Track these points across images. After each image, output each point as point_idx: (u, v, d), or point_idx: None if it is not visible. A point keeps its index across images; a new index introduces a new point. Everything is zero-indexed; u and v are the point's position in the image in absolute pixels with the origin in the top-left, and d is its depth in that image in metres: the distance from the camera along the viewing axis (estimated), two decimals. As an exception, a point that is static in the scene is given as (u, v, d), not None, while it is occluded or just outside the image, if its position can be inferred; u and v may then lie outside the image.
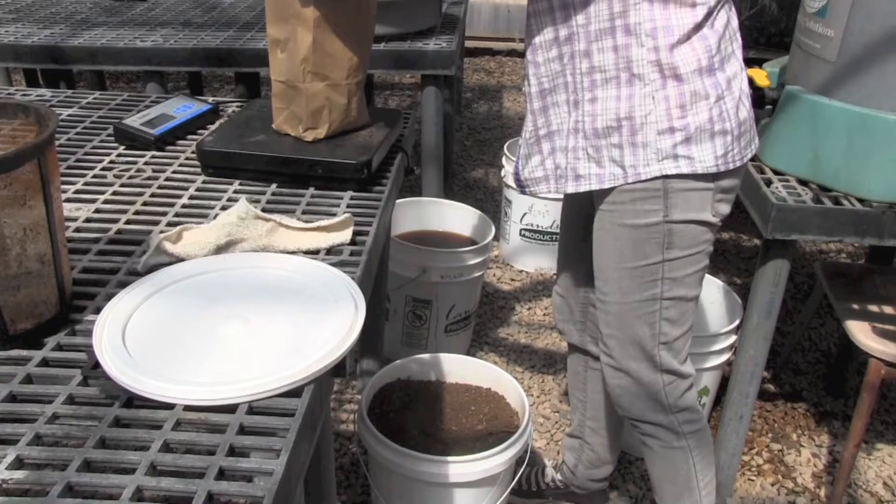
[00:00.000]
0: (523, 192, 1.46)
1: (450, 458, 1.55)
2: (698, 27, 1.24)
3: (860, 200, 1.59)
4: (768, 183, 1.65)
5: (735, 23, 1.33)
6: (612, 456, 1.82)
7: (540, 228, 2.84)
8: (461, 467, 1.55)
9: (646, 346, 1.43)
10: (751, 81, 1.71)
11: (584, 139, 1.31)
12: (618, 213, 1.34)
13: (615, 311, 1.43)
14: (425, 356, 1.86)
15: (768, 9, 2.05)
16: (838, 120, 1.58)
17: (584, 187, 1.34)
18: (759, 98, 1.71)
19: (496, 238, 2.90)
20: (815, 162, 1.63)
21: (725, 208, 1.36)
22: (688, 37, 1.24)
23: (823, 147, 1.61)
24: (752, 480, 2.03)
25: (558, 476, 1.89)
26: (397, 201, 2.37)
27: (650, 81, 1.25)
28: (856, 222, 1.57)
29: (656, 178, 1.29)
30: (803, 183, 1.66)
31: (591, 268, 1.58)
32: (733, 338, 1.99)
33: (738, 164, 1.33)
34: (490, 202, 3.37)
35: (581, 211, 1.57)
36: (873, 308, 1.83)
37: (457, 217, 2.49)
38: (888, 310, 1.82)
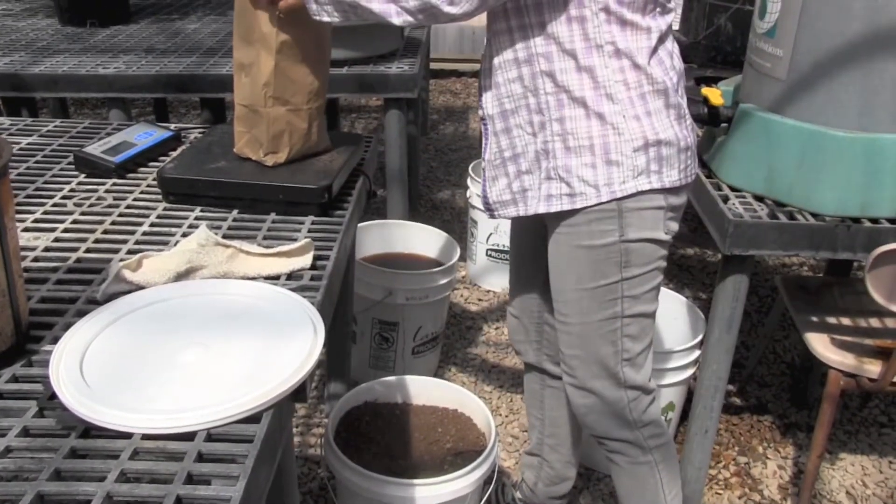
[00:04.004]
0: (492, 216, 1.46)
1: (417, 481, 1.55)
2: (654, 50, 1.29)
3: (814, 215, 1.62)
4: (725, 199, 1.69)
5: (677, 49, 1.37)
6: (572, 472, 1.83)
7: (506, 248, 2.86)
8: (428, 490, 1.55)
9: (609, 363, 1.44)
10: (706, 100, 1.76)
11: (554, 159, 1.32)
12: (574, 235, 1.36)
13: (577, 332, 1.44)
14: (391, 379, 1.86)
15: (724, 28, 2.09)
16: (790, 137, 1.62)
17: (555, 208, 1.34)
18: (714, 116, 1.75)
19: (463, 259, 2.91)
20: (769, 178, 1.67)
21: (675, 226, 1.39)
22: (648, 58, 1.28)
23: (777, 163, 1.65)
24: (720, 494, 2.05)
25: (518, 494, 1.90)
26: (362, 224, 2.38)
27: (619, 101, 1.27)
28: (810, 237, 1.60)
29: (627, 196, 1.31)
30: (759, 199, 1.69)
31: (544, 287, 1.60)
32: (697, 353, 2.02)
33: (692, 178, 1.38)
34: (457, 223, 3.39)
35: (531, 230, 1.59)
36: (832, 320, 1.87)
37: (422, 238, 2.50)
38: (846, 321, 1.86)
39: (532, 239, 1.59)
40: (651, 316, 1.44)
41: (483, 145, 1.44)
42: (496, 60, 1.35)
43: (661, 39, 1.30)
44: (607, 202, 1.31)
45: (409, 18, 1.25)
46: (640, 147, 1.29)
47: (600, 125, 1.28)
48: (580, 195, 1.32)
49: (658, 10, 1.29)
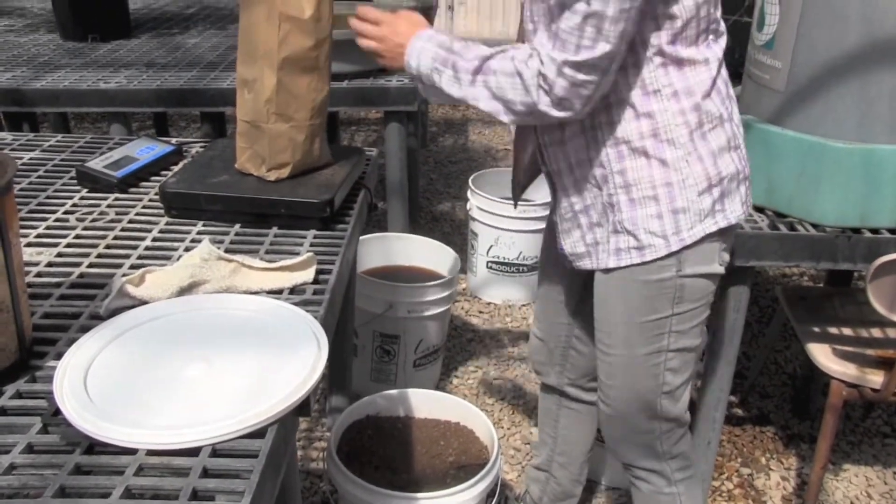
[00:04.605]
0: (571, 267, 1.41)
1: (420, 495, 1.55)
2: (713, 81, 1.25)
3: (814, 226, 1.63)
4: (725, 211, 1.69)
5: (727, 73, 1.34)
6: (578, 490, 1.82)
7: (507, 260, 2.86)
8: (432, 503, 1.54)
9: (648, 396, 1.40)
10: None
11: (619, 212, 1.28)
12: (628, 269, 1.32)
13: (619, 363, 1.40)
14: (393, 392, 1.85)
15: (721, 41, 2.10)
16: (789, 148, 1.63)
17: (625, 262, 1.31)
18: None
19: (463, 271, 2.91)
20: (769, 189, 1.67)
21: (727, 256, 1.36)
22: (707, 93, 1.24)
23: (776, 175, 1.66)
24: (723, 505, 2.05)
25: None
26: (363, 237, 2.38)
27: (681, 144, 1.23)
28: (811, 247, 1.61)
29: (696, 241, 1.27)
30: (759, 210, 1.70)
31: (575, 312, 1.58)
32: (698, 364, 2.01)
33: (751, 206, 1.37)
34: (457, 235, 3.39)
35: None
36: (833, 330, 1.87)
37: (422, 251, 2.50)
38: (847, 331, 1.86)
39: (569, 264, 1.50)
40: (694, 350, 1.40)
41: (552, 200, 1.43)
42: None
43: (719, 67, 1.26)
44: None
45: (516, 118, 1.25)
46: (704, 189, 1.25)
47: (663, 173, 1.24)
48: (649, 247, 1.28)
49: (711, 36, 1.24)
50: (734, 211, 1.30)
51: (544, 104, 1.19)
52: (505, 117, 1.25)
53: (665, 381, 1.39)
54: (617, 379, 1.42)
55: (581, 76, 1.16)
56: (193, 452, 0.89)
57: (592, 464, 2.01)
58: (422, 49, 1.31)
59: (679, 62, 1.21)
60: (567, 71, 1.16)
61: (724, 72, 1.29)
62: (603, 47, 1.14)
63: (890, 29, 1.51)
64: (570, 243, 1.39)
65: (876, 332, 1.84)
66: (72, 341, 1.07)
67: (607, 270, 1.35)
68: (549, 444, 1.80)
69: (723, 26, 1.28)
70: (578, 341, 1.65)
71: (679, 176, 1.24)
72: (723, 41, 1.28)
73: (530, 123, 1.26)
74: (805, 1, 1.56)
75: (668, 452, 1.47)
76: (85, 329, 1.10)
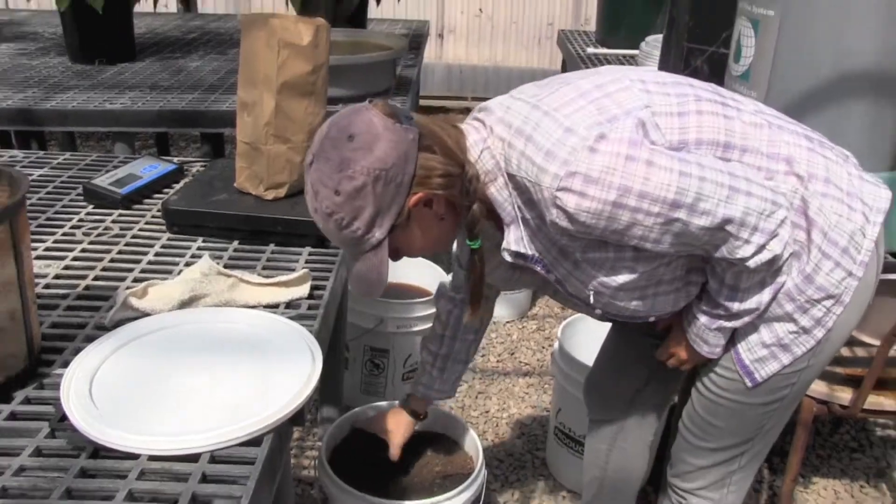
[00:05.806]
0: (753, 381, 1.26)
1: (407, 503, 1.60)
2: (770, 124, 1.20)
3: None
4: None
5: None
6: None
7: (497, 277, 2.92)
8: (418, 511, 1.60)
9: (747, 434, 1.33)
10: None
11: (802, 293, 1.19)
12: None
13: (730, 406, 1.30)
14: (382, 403, 1.91)
15: (700, 70, 2.17)
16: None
17: (832, 321, 1.20)
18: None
19: (454, 287, 2.97)
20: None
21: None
22: (806, 156, 1.19)
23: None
24: (701, 518, 2.10)
25: None
26: (357, 253, 2.44)
27: (811, 194, 1.17)
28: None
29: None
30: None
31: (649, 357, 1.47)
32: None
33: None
34: (444, 254, 3.44)
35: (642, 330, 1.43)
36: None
37: (411, 269, 2.55)
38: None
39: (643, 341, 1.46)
40: (802, 397, 1.35)
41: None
42: None
43: (760, 113, 1.21)
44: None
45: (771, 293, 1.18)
46: (846, 212, 1.18)
47: (817, 232, 1.17)
48: (845, 291, 1.19)
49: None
50: (880, 197, 1.20)
51: (771, 248, 1.11)
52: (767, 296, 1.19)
53: (768, 426, 1.33)
54: (721, 419, 1.33)
55: (751, 219, 1.09)
56: (193, 458, 0.94)
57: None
58: (697, 338, 1.27)
59: (743, 149, 1.16)
60: (749, 236, 1.10)
61: (765, 111, 1.24)
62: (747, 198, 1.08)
63: (860, 62, 1.57)
64: (747, 351, 1.25)
65: (845, 351, 1.90)
66: (78, 350, 1.13)
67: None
68: (593, 488, 1.75)
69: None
70: (656, 384, 1.58)
71: (826, 221, 1.17)
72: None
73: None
74: (779, 35, 1.63)
75: (731, 485, 1.41)
76: (90, 339, 1.16)
